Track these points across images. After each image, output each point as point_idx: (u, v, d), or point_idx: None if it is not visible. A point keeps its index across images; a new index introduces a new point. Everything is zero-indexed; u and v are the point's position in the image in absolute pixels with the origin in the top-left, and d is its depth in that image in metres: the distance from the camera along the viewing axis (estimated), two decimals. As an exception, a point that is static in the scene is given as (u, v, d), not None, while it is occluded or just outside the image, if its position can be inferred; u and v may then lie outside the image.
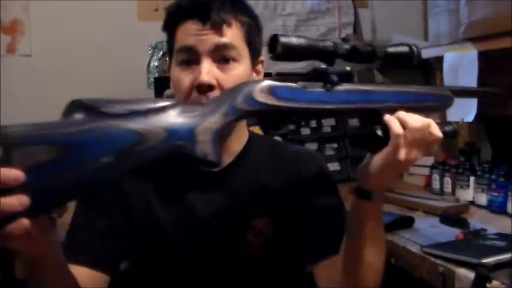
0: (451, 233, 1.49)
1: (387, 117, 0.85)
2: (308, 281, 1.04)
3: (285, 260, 1.08)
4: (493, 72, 1.94)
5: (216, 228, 1.02)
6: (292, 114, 0.84)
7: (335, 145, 2.44)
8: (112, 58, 2.31)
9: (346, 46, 0.86)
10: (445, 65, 2.00)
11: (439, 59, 2.06)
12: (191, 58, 0.96)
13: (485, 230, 1.50)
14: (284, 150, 1.13)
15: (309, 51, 0.83)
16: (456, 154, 2.11)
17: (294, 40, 0.81)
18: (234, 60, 0.97)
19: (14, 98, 2.18)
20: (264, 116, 0.82)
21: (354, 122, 2.47)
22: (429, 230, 1.57)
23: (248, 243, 1.03)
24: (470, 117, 1.87)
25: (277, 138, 1.14)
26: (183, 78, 0.97)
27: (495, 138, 2.20)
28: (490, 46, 1.83)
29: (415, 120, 0.85)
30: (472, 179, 1.89)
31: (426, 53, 2.24)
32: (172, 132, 0.68)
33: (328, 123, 2.43)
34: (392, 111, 0.87)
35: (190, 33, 0.96)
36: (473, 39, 1.89)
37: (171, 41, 1.02)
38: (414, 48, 0.91)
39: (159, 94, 2.17)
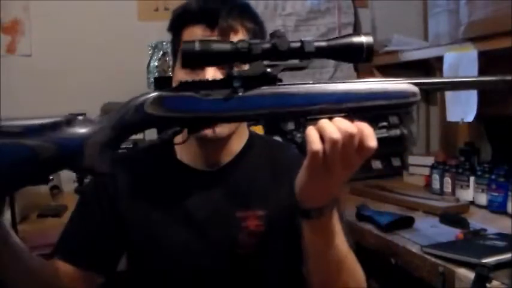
0: (451, 233, 1.49)
1: (308, 129, 0.75)
2: (302, 281, 1.03)
3: (278, 260, 1.08)
4: (493, 72, 1.94)
5: (209, 227, 1.03)
6: (179, 124, 0.79)
7: (335, 145, 2.43)
8: (112, 58, 2.31)
9: (264, 45, 0.77)
10: (445, 65, 2.00)
11: (439, 59, 2.06)
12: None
13: (485, 230, 1.50)
14: (284, 152, 1.12)
15: (219, 55, 0.76)
16: (456, 154, 2.11)
17: (197, 45, 0.75)
18: (238, 66, 0.98)
19: (14, 97, 2.17)
20: (150, 126, 0.81)
21: (353, 122, 2.47)
22: (429, 230, 1.57)
23: (241, 243, 1.03)
24: (470, 117, 1.88)
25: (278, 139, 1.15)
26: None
27: (495, 138, 2.20)
28: (490, 46, 1.83)
29: (336, 131, 0.73)
30: (472, 179, 1.89)
31: (426, 53, 2.25)
32: (62, 146, 0.75)
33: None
34: (325, 113, 0.77)
35: (197, 38, 0.94)
36: (473, 39, 1.89)
37: (176, 42, 1.03)
38: (363, 39, 0.77)
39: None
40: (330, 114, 0.76)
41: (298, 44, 0.76)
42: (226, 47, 0.77)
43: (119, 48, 2.33)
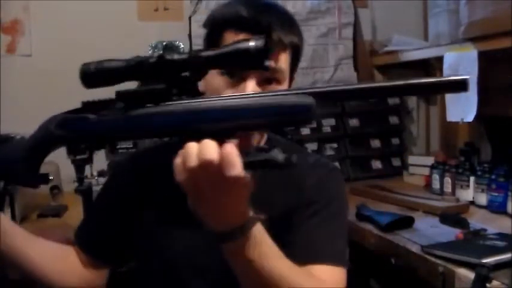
0: (451, 233, 1.49)
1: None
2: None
3: None
4: (493, 72, 1.94)
5: (208, 231, 1.01)
6: (82, 143, 0.80)
7: (335, 145, 2.44)
8: (112, 58, 2.31)
9: (152, 60, 0.74)
10: (445, 65, 2.00)
11: (439, 59, 2.06)
12: (237, 71, 0.95)
13: (485, 230, 1.50)
14: (299, 158, 1.09)
15: (112, 73, 0.77)
16: (456, 154, 2.12)
17: (92, 67, 0.77)
18: (278, 82, 0.97)
19: (13, 97, 2.18)
20: (58, 146, 0.83)
21: (353, 122, 2.48)
22: (429, 230, 1.57)
23: None
24: (470, 117, 1.88)
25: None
26: (224, 90, 0.95)
27: (495, 138, 2.20)
28: (490, 46, 1.83)
29: (194, 159, 0.67)
30: (472, 179, 1.89)
31: (426, 53, 2.25)
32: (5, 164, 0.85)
33: (328, 123, 2.43)
34: (207, 134, 0.69)
35: None
36: (473, 39, 1.89)
37: (213, 43, 0.98)
38: (251, 44, 0.71)
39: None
40: (211, 135, 0.68)
41: (185, 56, 0.73)
42: (117, 64, 0.77)
43: (118, 48, 2.29)
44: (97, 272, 1.09)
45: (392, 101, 2.57)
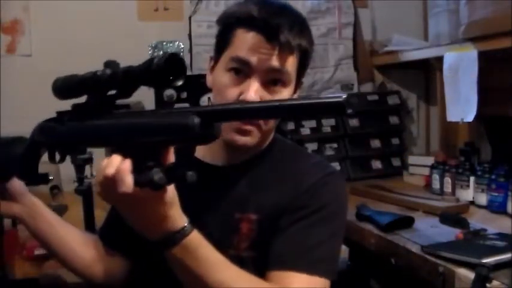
0: (451, 233, 1.49)
1: None
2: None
3: (265, 264, 1.01)
4: (493, 72, 1.94)
5: (213, 227, 1.00)
6: (55, 147, 0.90)
7: (335, 145, 2.44)
8: (112, 58, 2.29)
9: (87, 75, 0.83)
10: (445, 65, 2.00)
11: (439, 59, 2.06)
12: (243, 69, 0.97)
13: (485, 230, 1.50)
14: (296, 161, 1.09)
15: (73, 88, 0.84)
16: (456, 154, 2.12)
17: (58, 83, 0.85)
18: (283, 84, 0.99)
19: (13, 98, 2.18)
20: (39, 149, 0.93)
21: (353, 122, 2.48)
22: (429, 230, 1.57)
23: (234, 245, 1.02)
24: (470, 117, 1.88)
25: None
26: (230, 87, 0.98)
27: (495, 138, 2.20)
28: (490, 46, 1.83)
29: (99, 172, 0.75)
30: (472, 179, 1.89)
31: (426, 53, 2.25)
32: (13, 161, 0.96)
33: (328, 123, 2.43)
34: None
35: (253, 47, 0.96)
36: (473, 39, 1.89)
37: (225, 39, 1.01)
38: (159, 62, 0.75)
39: (158, 94, 2.17)
40: (117, 150, 0.75)
41: (108, 71, 0.80)
42: (77, 79, 0.84)
43: (118, 48, 2.32)
44: (119, 263, 1.13)
45: (393, 100, 2.57)
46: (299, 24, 1.00)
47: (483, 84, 1.82)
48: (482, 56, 1.85)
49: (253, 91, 0.95)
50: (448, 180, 1.98)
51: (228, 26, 1.01)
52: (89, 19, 2.31)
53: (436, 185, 2.03)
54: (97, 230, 1.29)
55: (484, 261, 1.16)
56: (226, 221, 1.04)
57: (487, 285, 1.11)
